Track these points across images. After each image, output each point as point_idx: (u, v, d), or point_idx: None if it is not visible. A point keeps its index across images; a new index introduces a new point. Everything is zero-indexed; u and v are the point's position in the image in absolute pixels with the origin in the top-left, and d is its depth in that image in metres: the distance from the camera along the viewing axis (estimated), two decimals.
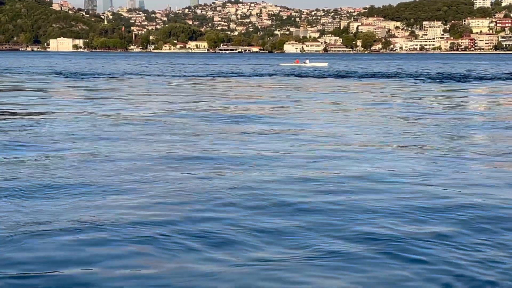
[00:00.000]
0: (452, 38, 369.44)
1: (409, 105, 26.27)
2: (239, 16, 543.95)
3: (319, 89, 38.08)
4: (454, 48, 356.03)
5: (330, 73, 65.53)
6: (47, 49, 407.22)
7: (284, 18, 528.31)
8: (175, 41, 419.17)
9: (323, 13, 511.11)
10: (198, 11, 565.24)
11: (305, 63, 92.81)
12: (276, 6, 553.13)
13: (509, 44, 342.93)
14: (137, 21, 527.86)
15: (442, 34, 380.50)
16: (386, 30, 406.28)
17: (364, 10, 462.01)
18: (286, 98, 29.57)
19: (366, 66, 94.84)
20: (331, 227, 7.66)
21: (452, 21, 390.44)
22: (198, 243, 7.01)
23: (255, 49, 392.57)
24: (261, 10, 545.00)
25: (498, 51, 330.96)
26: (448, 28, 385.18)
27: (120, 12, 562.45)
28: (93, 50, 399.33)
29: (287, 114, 22.25)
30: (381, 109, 24.20)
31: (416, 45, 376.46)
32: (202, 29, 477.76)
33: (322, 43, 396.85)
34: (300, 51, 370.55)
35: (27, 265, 6.41)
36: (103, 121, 18.99)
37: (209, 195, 9.24)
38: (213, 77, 57.04)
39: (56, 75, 57.88)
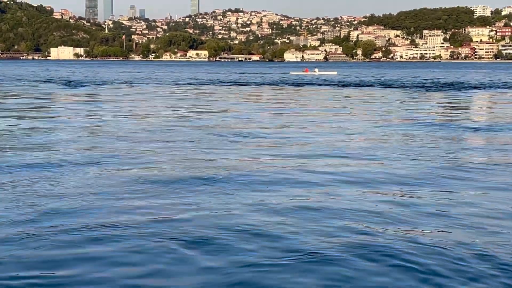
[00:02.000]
0: (452, 46, 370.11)
1: None
2: (239, 25, 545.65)
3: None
4: (454, 56, 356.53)
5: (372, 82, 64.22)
6: (48, 58, 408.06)
7: (284, 26, 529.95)
8: (176, 50, 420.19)
9: (323, 22, 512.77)
10: (199, 20, 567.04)
11: (314, 72, 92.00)
12: (276, 14, 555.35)
13: (509, 53, 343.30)
14: (137, 29, 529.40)
15: (442, 43, 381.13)
16: (386, 38, 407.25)
17: (364, 19, 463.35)
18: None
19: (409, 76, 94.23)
20: None
21: (452, 29, 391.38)
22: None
23: (255, 57, 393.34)
24: (261, 19, 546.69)
25: (498, 60, 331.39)
26: (448, 37, 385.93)
27: (120, 21, 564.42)
28: (94, 58, 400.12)
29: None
30: None
31: (417, 53, 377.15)
32: (203, 38, 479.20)
33: (322, 51, 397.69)
34: (301, 59, 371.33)
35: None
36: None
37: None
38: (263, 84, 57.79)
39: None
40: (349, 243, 7.39)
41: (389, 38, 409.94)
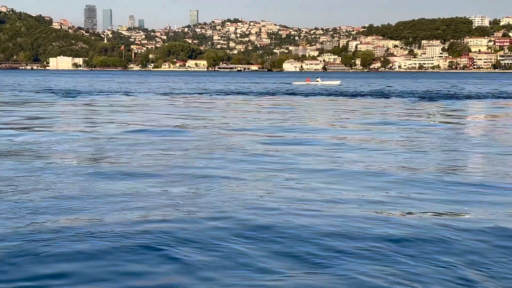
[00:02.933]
0: (450, 56, 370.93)
1: None
2: (238, 35, 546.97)
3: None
4: (453, 67, 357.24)
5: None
6: (47, 68, 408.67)
7: (283, 36, 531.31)
8: (175, 60, 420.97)
9: (322, 32, 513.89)
10: (198, 30, 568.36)
11: (317, 81, 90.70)
12: (275, 24, 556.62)
13: (507, 63, 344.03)
14: (136, 39, 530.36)
15: (441, 53, 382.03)
16: (385, 48, 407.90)
17: (363, 29, 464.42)
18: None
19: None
20: None
21: (451, 40, 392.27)
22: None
23: (254, 67, 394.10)
24: (260, 29, 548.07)
25: (497, 70, 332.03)
26: (446, 47, 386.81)
27: (120, 31, 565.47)
28: (93, 68, 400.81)
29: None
30: None
31: (415, 63, 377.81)
32: (202, 48, 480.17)
33: (321, 61, 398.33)
34: (299, 69, 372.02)
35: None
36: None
37: None
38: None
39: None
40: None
41: (388, 48, 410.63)
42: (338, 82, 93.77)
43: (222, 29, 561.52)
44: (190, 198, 10.47)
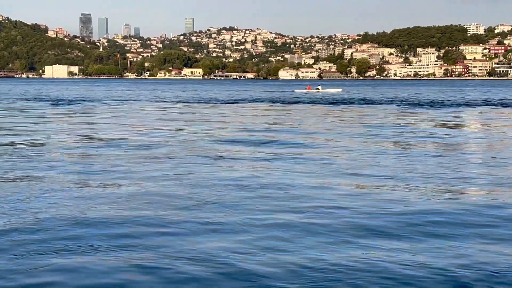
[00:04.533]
0: (445, 64, 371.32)
1: None
2: (234, 43, 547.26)
3: None
4: (448, 74, 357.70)
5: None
6: (42, 76, 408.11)
7: (278, 44, 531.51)
8: (170, 68, 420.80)
9: (318, 40, 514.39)
10: (193, 38, 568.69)
11: (317, 89, 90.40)
12: (271, 33, 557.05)
13: (502, 71, 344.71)
14: (132, 48, 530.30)
15: (436, 61, 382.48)
16: (380, 56, 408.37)
17: (358, 37, 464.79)
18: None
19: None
20: None
21: (446, 47, 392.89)
22: None
23: (250, 75, 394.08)
24: (256, 37, 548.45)
25: (491, 78, 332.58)
26: (441, 55, 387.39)
27: (115, 39, 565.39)
28: (88, 76, 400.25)
29: None
30: None
31: (410, 71, 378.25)
32: (197, 56, 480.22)
33: (316, 69, 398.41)
34: (295, 77, 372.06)
35: None
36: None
37: None
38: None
39: None
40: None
41: (383, 56, 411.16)
42: (339, 90, 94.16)
43: (218, 37, 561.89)
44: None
